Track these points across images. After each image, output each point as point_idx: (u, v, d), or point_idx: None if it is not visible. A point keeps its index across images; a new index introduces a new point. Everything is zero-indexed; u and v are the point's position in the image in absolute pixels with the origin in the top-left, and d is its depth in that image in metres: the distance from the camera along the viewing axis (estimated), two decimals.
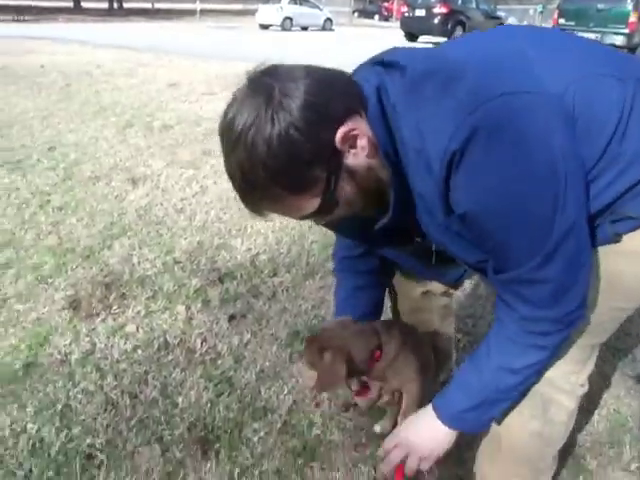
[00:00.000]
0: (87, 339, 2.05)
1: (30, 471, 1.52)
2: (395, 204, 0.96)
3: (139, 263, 2.59)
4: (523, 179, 0.82)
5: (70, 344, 2.02)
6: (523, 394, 1.10)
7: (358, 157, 0.90)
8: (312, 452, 1.60)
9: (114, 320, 2.18)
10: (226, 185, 3.54)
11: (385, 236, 1.08)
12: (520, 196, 0.84)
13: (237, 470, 1.53)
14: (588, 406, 1.84)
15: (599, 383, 1.96)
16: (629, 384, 1.97)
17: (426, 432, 1.12)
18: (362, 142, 0.88)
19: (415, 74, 0.88)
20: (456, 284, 1.48)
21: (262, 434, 1.64)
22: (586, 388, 1.17)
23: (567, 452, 1.64)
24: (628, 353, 2.14)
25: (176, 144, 4.48)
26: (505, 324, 1.01)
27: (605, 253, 0.98)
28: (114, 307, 2.25)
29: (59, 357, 1.96)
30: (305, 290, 2.41)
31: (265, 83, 0.85)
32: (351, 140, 0.87)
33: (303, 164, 0.86)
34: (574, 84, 0.88)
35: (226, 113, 0.88)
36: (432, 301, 1.57)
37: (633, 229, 0.95)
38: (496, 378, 1.04)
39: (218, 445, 1.61)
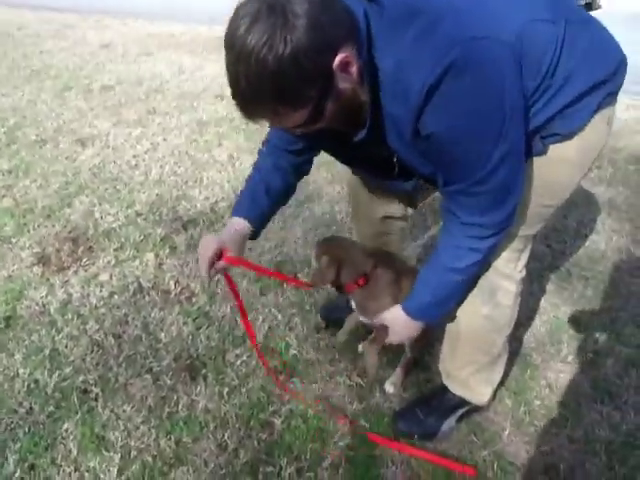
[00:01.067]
0: (62, 290, 2.12)
1: (31, 408, 1.61)
2: (371, 123, 1.09)
3: (102, 218, 2.63)
4: (479, 109, 0.99)
5: (46, 296, 2.09)
6: (470, 287, 1.37)
7: (347, 81, 1.00)
8: (292, 369, 1.77)
9: (86, 271, 2.24)
10: (177, 141, 3.60)
11: (357, 148, 1.21)
12: (475, 122, 1.01)
13: (225, 390, 1.67)
14: (532, 314, 2.09)
15: (539, 294, 2.21)
16: (564, 295, 2.22)
17: (401, 322, 1.37)
18: (353, 69, 0.99)
19: (396, 13, 1.00)
20: (412, 200, 1.66)
21: (244, 358, 1.79)
22: (524, 274, 1.41)
23: (516, 353, 1.88)
24: (564, 270, 2.40)
25: (119, 104, 4.42)
26: (450, 231, 1.22)
27: (535, 161, 1.19)
28: (84, 259, 2.31)
29: (37, 308, 2.02)
30: (267, 231, 2.53)
31: (278, 3, 0.91)
32: (345, 66, 0.98)
33: (304, 83, 0.95)
34: (522, 31, 1.03)
35: (237, 26, 0.92)
36: (392, 225, 1.75)
37: (558, 142, 1.16)
38: (446, 277, 1.26)
39: (205, 370, 1.75)
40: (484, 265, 1.29)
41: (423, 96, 0.97)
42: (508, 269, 1.36)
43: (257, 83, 0.93)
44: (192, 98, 4.53)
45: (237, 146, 3.53)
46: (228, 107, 4.32)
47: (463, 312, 1.44)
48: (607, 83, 1.13)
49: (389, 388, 1.72)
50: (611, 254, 2.53)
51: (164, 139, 3.65)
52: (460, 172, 1.10)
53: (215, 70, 5.47)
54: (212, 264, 1.33)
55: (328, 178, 3.05)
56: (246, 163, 3.24)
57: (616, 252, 2.55)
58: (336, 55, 0.95)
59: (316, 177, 3.04)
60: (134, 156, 3.36)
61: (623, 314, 2.12)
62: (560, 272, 2.36)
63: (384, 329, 1.41)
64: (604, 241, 2.62)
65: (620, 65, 1.14)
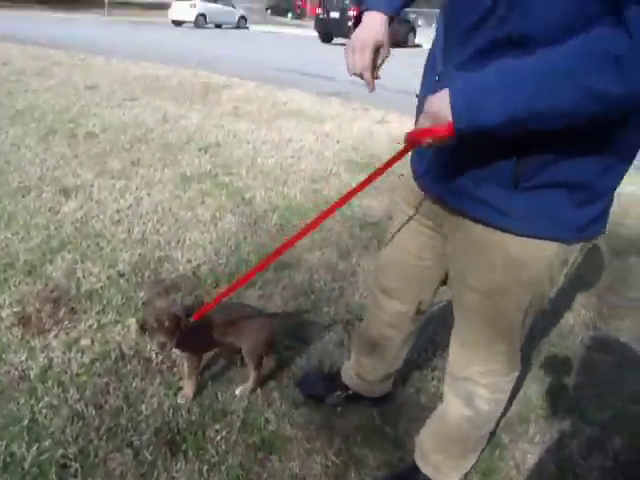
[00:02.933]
0: (43, 354, 2.13)
1: None
2: None
3: (84, 277, 2.66)
4: None
5: (26, 360, 2.10)
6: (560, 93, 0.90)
7: None
8: (270, 446, 1.81)
9: (67, 334, 2.26)
10: (160, 197, 3.67)
11: None
12: None
13: (205, 467, 1.70)
14: None
15: None
16: (534, 372, 2.32)
17: (436, 98, 1.04)
18: None
19: None
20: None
21: (224, 433, 1.83)
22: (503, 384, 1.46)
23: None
24: (532, 344, 2.50)
25: (103, 153, 4.48)
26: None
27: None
28: (65, 322, 2.33)
29: (17, 374, 2.03)
30: (247, 300, 2.59)
31: None
32: None
33: None
34: None
35: None
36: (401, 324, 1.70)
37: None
38: (535, 66, 0.92)
39: (185, 446, 1.77)
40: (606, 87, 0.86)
41: None
42: (484, 379, 1.42)
43: None
44: (176, 150, 4.62)
45: (220, 205, 3.60)
46: (211, 161, 4.43)
47: (448, 406, 1.50)
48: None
49: (237, 392, 2.00)
50: (579, 329, 2.65)
51: (148, 194, 3.71)
52: None
53: (199, 120, 5.59)
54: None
55: (307, 244, 3.14)
56: (228, 224, 3.32)
57: (583, 327, 2.67)
58: None
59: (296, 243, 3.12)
60: (117, 211, 3.41)
61: (588, 391, 2.22)
62: (530, 350, 2.46)
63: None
64: (573, 316, 2.74)
65: None
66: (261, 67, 11.01)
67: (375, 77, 1.29)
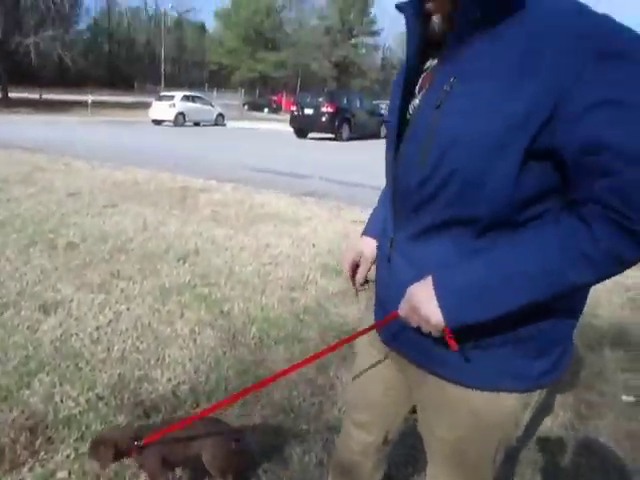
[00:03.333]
0: None
1: None
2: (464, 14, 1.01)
3: (62, 401, 2.66)
4: None
5: None
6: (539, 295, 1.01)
7: None
8: None
9: (42, 467, 2.24)
10: (139, 311, 3.72)
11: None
12: None
13: None
14: None
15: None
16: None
17: (418, 287, 1.10)
18: None
19: None
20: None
21: None
22: None
23: None
24: (515, 455, 2.53)
25: (83, 265, 4.56)
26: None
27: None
28: (41, 453, 2.31)
29: None
30: (227, 419, 2.61)
31: None
32: None
33: None
34: None
35: None
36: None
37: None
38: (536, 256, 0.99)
39: None
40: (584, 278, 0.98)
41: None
42: None
43: None
44: (155, 260, 4.72)
45: (199, 318, 3.67)
46: (190, 270, 4.53)
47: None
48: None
49: None
50: (558, 431, 2.69)
51: (127, 308, 3.77)
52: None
53: (178, 227, 5.75)
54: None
55: (287, 357, 3.19)
56: (207, 339, 3.37)
57: (562, 429, 2.71)
58: None
59: (275, 356, 3.18)
60: (97, 328, 3.45)
61: None
62: (511, 457, 2.48)
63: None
64: (550, 419, 2.79)
65: None
66: (238, 167, 11.40)
67: (359, 288, 1.51)
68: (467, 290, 1.03)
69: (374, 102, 25.85)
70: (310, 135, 21.87)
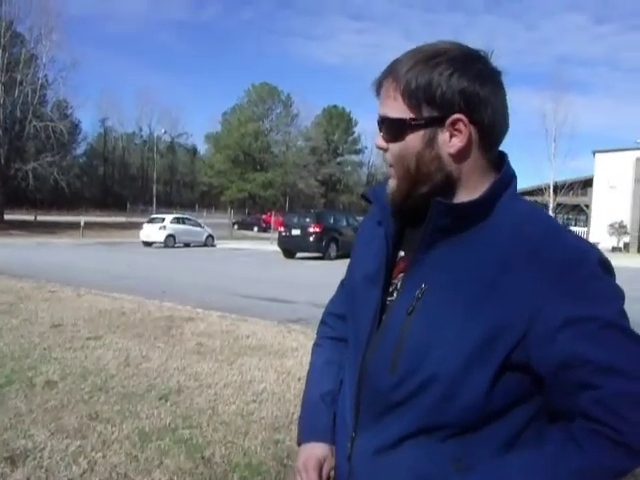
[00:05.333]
0: None
1: None
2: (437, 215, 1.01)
3: None
4: None
5: None
6: None
7: (456, 143, 1.00)
8: None
9: None
10: (116, 459, 3.57)
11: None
12: None
13: None
14: None
15: None
16: None
17: None
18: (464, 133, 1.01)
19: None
20: None
21: None
22: None
23: None
24: None
25: (60, 406, 4.41)
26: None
27: None
28: None
29: None
30: None
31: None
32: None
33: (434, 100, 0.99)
34: None
35: None
36: None
37: None
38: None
39: None
40: None
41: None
42: None
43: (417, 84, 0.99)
44: (136, 400, 4.59)
45: (178, 466, 3.50)
46: (172, 411, 4.39)
47: None
48: None
49: None
50: None
51: (103, 456, 3.60)
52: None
53: (161, 362, 5.65)
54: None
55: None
56: None
57: None
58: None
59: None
60: None
61: None
62: None
63: None
64: None
65: None
66: (225, 292, 11.48)
67: None
68: None
69: (360, 218, 26.60)
70: (298, 254, 22.25)
